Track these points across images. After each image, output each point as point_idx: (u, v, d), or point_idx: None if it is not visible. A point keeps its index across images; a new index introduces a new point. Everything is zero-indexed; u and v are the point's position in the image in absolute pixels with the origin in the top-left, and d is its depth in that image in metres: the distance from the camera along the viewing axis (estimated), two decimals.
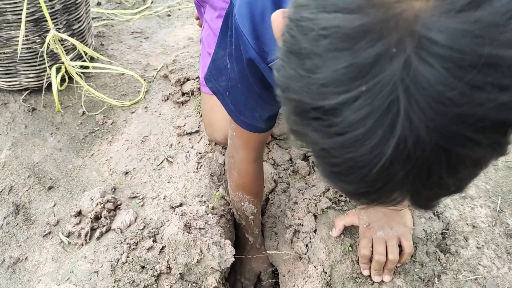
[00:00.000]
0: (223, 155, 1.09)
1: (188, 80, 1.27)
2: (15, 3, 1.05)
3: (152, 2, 1.65)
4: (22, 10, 1.05)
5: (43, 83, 1.20)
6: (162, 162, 1.08)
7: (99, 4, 1.62)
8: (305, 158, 1.10)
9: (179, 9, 1.63)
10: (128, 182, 1.05)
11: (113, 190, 1.03)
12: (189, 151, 1.09)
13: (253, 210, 0.95)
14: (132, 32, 1.50)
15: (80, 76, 1.21)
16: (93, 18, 1.53)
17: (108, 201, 0.96)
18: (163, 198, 0.99)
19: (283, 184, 1.05)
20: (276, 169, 1.07)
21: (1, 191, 1.02)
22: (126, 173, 1.07)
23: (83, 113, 1.20)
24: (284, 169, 1.06)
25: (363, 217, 0.89)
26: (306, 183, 1.04)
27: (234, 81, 0.72)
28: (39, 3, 1.06)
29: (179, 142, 1.12)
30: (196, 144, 1.11)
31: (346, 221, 0.91)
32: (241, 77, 0.70)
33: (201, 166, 1.06)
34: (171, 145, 1.12)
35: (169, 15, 1.61)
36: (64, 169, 1.08)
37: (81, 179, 1.06)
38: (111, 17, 1.55)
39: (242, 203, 0.95)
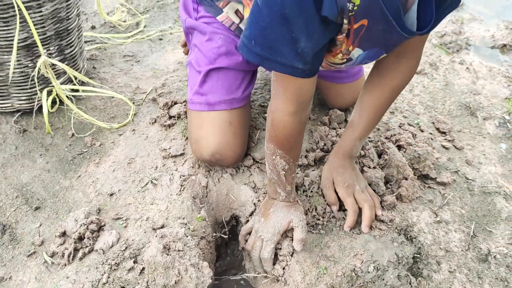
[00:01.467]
0: (206, 178, 1.12)
1: (175, 103, 1.31)
2: (8, 29, 1.09)
3: (145, 26, 1.71)
4: (14, 36, 1.10)
5: (34, 105, 1.24)
6: (146, 184, 1.11)
7: (93, 27, 1.67)
8: None
9: (171, 33, 1.69)
10: (113, 204, 1.08)
11: (98, 211, 1.06)
12: (173, 174, 1.12)
13: (285, 166, 0.92)
14: (124, 56, 1.55)
15: (70, 99, 1.25)
16: (86, 42, 1.58)
17: (91, 222, 0.99)
18: (146, 220, 1.02)
19: None
20: (256, 192, 1.10)
21: None
22: (111, 194, 1.10)
23: (73, 134, 1.23)
24: (264, 193, 1.09)
25: (338, 179, 1.02)
26: None
27: (268, 17, 0.71)
28: (31, 30, 1.11)
29: (164, 165, 1.15)
30: (180, 166, 1.14)
31: (332, 193, 1.04)
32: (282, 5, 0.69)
33: (184, 188, 1.09)
34: (156, 167, 1.15)
35: (160, 39, 1.66)
36: (52, 190, 1.11)
37: (67, 200, 1.09)
38: (104, 40, 1.60)
39: (274, 157, 0.92)
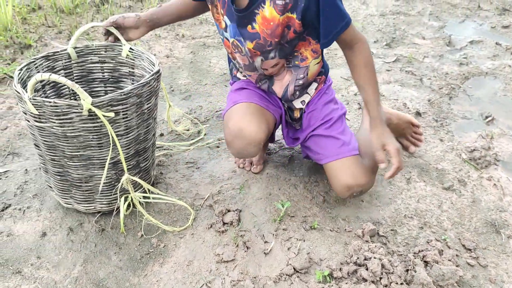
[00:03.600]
0: (253, 283, 1.30)
1: (229, 211, 1.53)
2: (101, 151, 1.36)
3: (205, 134, 1.98)
4: (106, 156, 1.37)
5: (113, 208, 1.49)
6: (202, 286, 1.30)
7: (161, 135, 1.96)
8: None
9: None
10: None
11: None
12: (225, 278, 1.31)
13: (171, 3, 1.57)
14: (187, 162, 1.80)
15: (142, 204, 1.50)
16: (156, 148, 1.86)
17: None
18: None
19: None
20: None
21: None
22: None
23: (142, 235, 1.46)
24: None
25: (388, 141, 1.36)
26: None
27: None
28: (118, 151, 1.38)
29: (217, 269, 1.35)
30: (231, 272, 1.33)
31: (383, 154, 1.37)
32: None
33: None
34: (210, 270, 1.34)
35: (218, 147, 1.92)
36: (123, 287, 1.32)
37: None
38: (170, 147, 1.88)
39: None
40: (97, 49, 1.58)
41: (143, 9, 3.02)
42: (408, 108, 2.17)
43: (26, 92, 1.23)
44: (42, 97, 1.50)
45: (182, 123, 1.99)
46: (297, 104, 1.59)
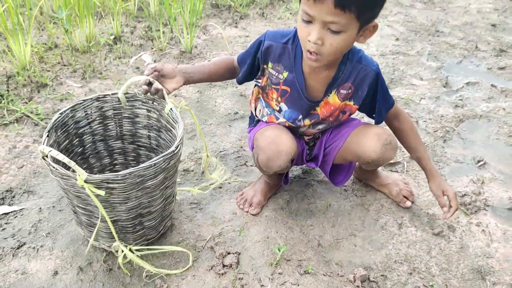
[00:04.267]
0: None
1: (228, 254, 1.63)
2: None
3: (230, 177, 2.08)
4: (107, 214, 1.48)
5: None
6: None
7: None
8: None
9: (229, 183, 2.05)
10: None
11: None
12: None
13: (203, 63, 1.69)
14: (190, 203, 1.91)
15: (142, 253, 1.60)
16: None
17: None
18: None
19: None
20: None
21: None
22: None
23: (146, 276, 1.56)
24: None
25: (447, 188, 1.68)
26: None
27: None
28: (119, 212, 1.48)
29: None
30: None
31: (444, 199, 1.69)
32: None
33: None
34: None
35: (220, 187, 2.03)
36: None
37: None
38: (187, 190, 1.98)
39: None
40: (146, 98, 1.68)
41: (154, 48, 3.17)
42: (403, 151, 2.27)
43: (44, 144, 1.36)
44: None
45: (216, 170, 2.05)
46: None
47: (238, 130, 2.43)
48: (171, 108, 1.57)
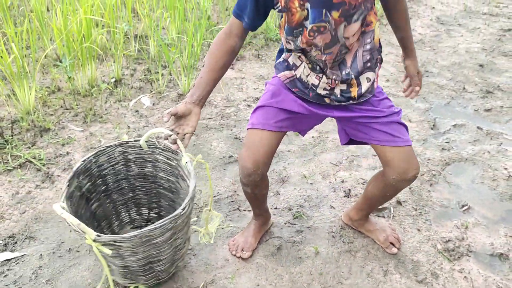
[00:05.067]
0: None
1: None
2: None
3: (222, 223, 2.17)
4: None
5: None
6: None
7: None
8: None
9: (222, 228, 2.14)
10: None
11: None
12: None
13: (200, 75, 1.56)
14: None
15: None
16: None
17: None
18: None
19: None
20: None
21: None
22: None
23: None
24: None
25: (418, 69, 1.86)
26: None
27: None
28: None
29: None
30: None
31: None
32: None
33: None
34: None
35: (215, 234, 2.11)
36: None
37: None
38: None
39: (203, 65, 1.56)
40: (165, 147, 1.79)
41: (153, 90, 3.30)
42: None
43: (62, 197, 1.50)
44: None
45: (213, 221, 2.13)
46: (363, 80, 1.64)
47: (232, 173, 2.53)
48: (186, 162, 1.67)
